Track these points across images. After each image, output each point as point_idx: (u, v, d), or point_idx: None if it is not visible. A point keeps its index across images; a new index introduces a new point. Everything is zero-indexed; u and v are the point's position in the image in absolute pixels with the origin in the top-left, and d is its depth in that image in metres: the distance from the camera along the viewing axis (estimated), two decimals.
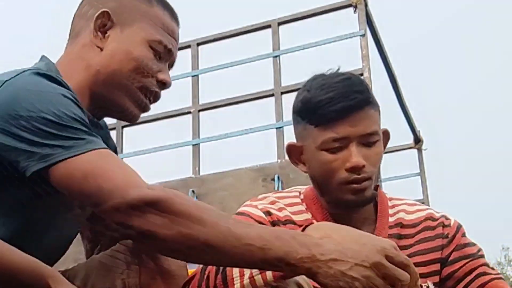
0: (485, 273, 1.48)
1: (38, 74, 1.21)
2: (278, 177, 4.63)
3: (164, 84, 1.39)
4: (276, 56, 5.29)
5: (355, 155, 1.42)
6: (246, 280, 1.23)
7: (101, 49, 1.35)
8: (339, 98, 1.43)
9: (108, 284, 1.23)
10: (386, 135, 1.55)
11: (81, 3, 1.43)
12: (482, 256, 1.52)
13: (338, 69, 1.53)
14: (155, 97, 1.40)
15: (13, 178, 1.17)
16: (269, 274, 1.21)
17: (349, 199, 1.45)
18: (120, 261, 1.25)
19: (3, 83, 1.19)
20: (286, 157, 5.54)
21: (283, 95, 5.11)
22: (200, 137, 5.35)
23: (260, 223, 1.45)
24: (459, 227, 1.54)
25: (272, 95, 5.19)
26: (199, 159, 5.28)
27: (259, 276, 1.22)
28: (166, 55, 1.39)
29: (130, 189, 1.08)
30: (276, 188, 4.46)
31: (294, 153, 1.54)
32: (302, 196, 1.57)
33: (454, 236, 1.52)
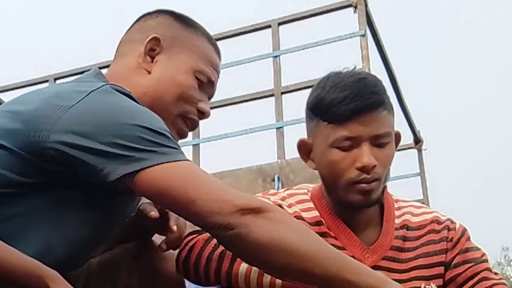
0: (487, 278, 1.47)
1: (117, 90, 1.24)
2: (278, 178, 4.62)
3: (203, 114, 1.44)
4: (276, 56, 5.29)
5: (367, 154, 1.42)
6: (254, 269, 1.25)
7: (149, 73, 1.38)
8: (354, 98, 1.43)
9: (109, 287, 1.24)
10: (398, 137, 1.55)
11: (130, 28, 1.47)
12: (485, 261, 1.51)
13: (354, 68, 1.53)
14: (193, 125, 1.45)
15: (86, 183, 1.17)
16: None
17: (355, 199, 1.44)
18: (121, 265, 1.25)
19: (89, 93, 1.20)
20: (286, 157, 5.51)
21: (283, 95, 5.10)
22: (200, 137, 5.35)
23: None
24: (464, 231, 1.54)
25: (272, 95, 5.18)
26: (199, 159, 5.28)
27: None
28: (208, 87, 1.45)
29: (236, 199, 1.13)
30: (276, 189, 4.45)
31: (304, 149, 1.54)
32: (310, 194, 1.57)
33: (458, 240, 1.52)
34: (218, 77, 1.49)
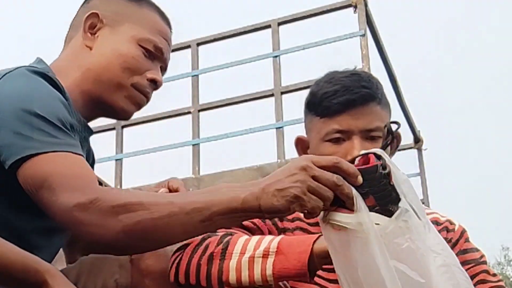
0: (484, 281, 1.47)
1: (34, 72, 1.23)
2: None
3: (154, 83, 1.41)
4: (276, 56, 5.29)
5: (357, 148, 1.43)
6: (244, 258, 1.22)
7: (91, 49, 1.38)
8: (344, 91, 1.45)
9: (100, 284, 1.23)
10: (398, 138, 1.55)
11: (76, 12, 1.46)
12: (484, 262, 1.51)
13: (355, 68, 1.55)
14: (147, 96, 1.42)
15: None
16: (269, 263, 1.20)
17: None
18: (111, 261, 1.24)
19: (2, 76, 1.22)
20: (286, 157, 5.53)
21: (283, 95, 5.10)
22: (200, 137, 5.35)
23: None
24: (463, 232, 1.53)
25: (272, 95, 5.18)
26: (199, 159, 5.28)
27: (260, 259, 1.21)
28: (157, 55, 1.41)
29: (67, 194, 1.08)
30: None
31: (301, 146, 1.56)
32: None
33: (457, 241, 1.51)
34: (170, 46, 1.45)
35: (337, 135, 1.45)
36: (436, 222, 1.54)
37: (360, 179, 1.09)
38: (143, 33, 1.39)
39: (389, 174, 1.09)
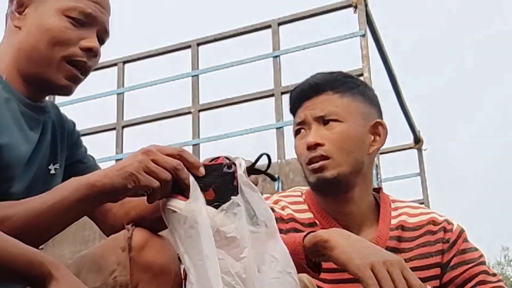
0: (485, 282, 1.47)
1: None
2: (278, 177, 4.62)
3: (90, 51, 1.37)
4: (276, 56, 5.28)
5: (312, 134, 1.49)
6: None
7: (20, 28, 1.37)
8: (300, 86, 1.56)
9: (100, 281, 1.22)
10: (381, 126, 1.55)
11: None
12: (483, 262, 1.51)
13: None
14: (84, 67, 1.38)
15: None
16: None
17: (312, 180, 1.50)
18: (110, 259, 1.24)
19: None
20: (286, 157, 5.52)
21: (283, 95, 5.10)
22: (200, 137, 5.35)
23: None
24: (461, 232, 1.53)
25: (272, 95, 5.18)
26: (199, 159, 5.26)
27: None
28: (88, 21, 1.36)
29: None
30: (276, 189, 4.45)
31: None
32: (304, 197, 1.57)
33: (455, 241, 1.51)
34: (104, 8, 1.40)
35: (298, 127, 1.54)
36: (433, 223, 1.54)
37: (202, 170, 1.15)
38: (67, 2, 1.35)
39: (233, 175, 1.15)
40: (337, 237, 1.18)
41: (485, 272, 1.49)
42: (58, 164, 1.46)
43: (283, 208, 1.52)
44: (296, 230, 1.47)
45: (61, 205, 1.14)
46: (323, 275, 1.35)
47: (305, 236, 1.24)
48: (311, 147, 1.48)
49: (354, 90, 1.53)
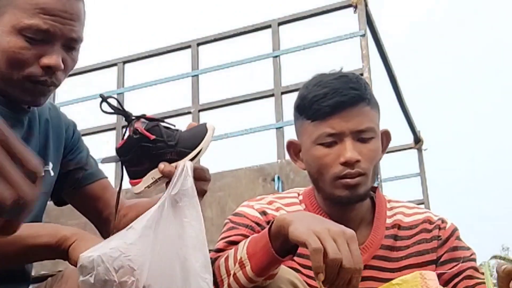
0: (472, 277, 1.48)
1: None
2: (278, 177, 4.62)
3: (49, 68, 1.28)
4: (276, 56, 5.28)
5: (349, 149, 1.44)
6: (231, 278, 1.27)
7: None
8: (333, 94, 1.46)
9: None
10: (387, 135, 1.56)
11: None
12: (473, 259, 1.52)
13: (341, 69, 1.55)
14: (47, 85, 1.31)
15: None
16: (249, 270, 1.24)
17: (342, 194, 1.46)
18: None
19: None
20: (286, 157, 5.52)
21: (283, 95, 5.10)
22: None
23: (256, 223, 1.47)
24: (454, 230, 1.55)
25: (272, 95, 5.18)
26: (199, 159, 5.27)
27: (240, 272, 1.25)
28: (46, 38, 1.27)
29: None
30: (276, 189, 4.46)
31: (293, 149, 1.57)
32: (301, 197, 1.57)
33: (448, 239, 1.53)
34: (67, 16, 1.28)
35: (329, 138, 1.46)
36: (428, 221, 1.56)
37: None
38: (22, 19, 1.26)
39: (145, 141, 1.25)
40: (293, 217, 1.21)
41: (474, 268, 1.50)
42: (49, 165, 1.43)
43: (277, 210, 1.52)
44: None
45: (18, 245, 1.13)
46: (299, 260, 1.42)
47: (271, 225, 1.26)
48: (352, 164, 1.44)
49: (373, 99, 1.52)
